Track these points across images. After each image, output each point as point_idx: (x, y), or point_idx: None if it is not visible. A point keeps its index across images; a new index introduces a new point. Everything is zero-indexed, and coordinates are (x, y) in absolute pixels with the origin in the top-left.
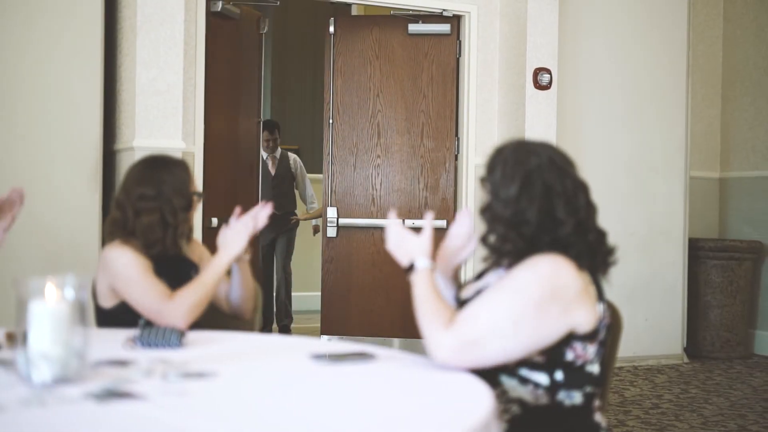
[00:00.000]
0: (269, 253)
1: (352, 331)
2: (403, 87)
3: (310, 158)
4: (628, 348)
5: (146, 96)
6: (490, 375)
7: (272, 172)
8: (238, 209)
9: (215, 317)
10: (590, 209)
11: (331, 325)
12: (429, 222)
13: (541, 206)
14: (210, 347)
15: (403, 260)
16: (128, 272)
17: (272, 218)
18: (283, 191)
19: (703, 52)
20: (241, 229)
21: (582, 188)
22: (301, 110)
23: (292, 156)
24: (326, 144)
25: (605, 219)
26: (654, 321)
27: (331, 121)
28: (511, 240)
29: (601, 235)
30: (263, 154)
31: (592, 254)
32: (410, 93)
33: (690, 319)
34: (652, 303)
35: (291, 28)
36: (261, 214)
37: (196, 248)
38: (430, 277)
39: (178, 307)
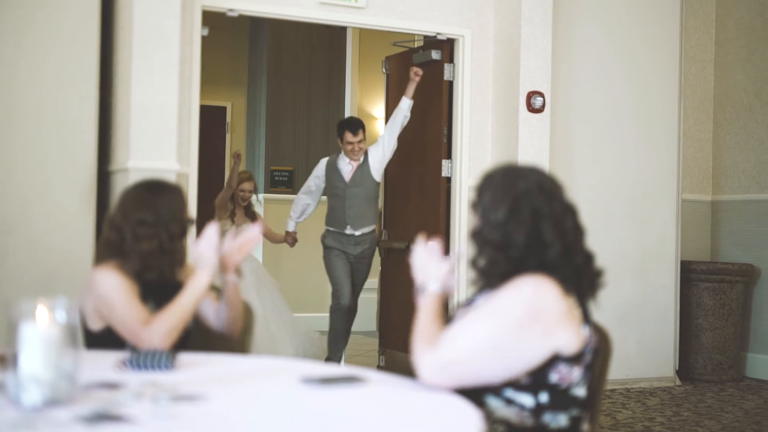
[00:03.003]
0: (346, 273)
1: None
2: (412, 113)
3: (304, 180)
4: (620, 370)
5: (141, 117)
6: (475, 395)
7: (347, 178)
8: (213, 224)
9: (207, 339)
10: (578, 232)
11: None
12: (457, 253)
13: (529, 229)
14: (201, 370)
15: (419, 281)
16: (111, 295)
17: (350, 239)
18: (360, 203)
19: (695, 76)
20: (208, 245)
21: (570, 211)
22: (295, 132)
23: (370, 151)
24: (385, 172)
25: (597, 242)
26: (646, 343)
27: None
28: (499, 263)
29: (589, 257)
30: (343, 159)
31: (579, 277)
32: (414, 118)
33: (682, 342)
34: (644, 325)
35: (286, 50)
36: (254, 232)
37: (188, 272)
38: (435, 302)
39: (155, 330)
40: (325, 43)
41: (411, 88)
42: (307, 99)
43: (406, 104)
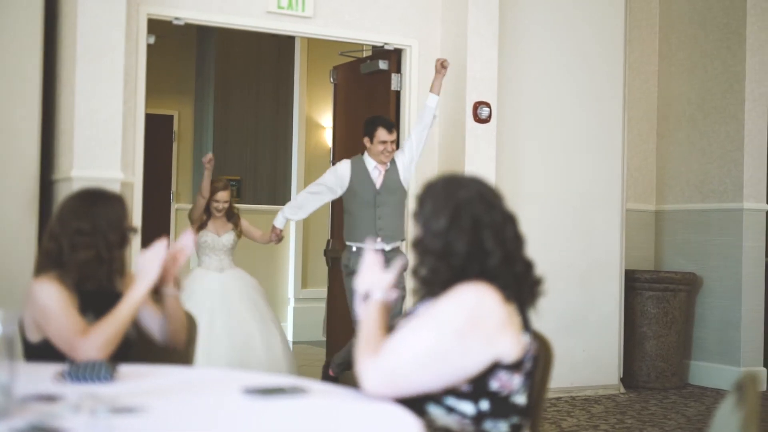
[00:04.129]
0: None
1: None
2: (359, 122)
3: (252, 190)
4: (565, 378)
5: (85, 126)
6: (417, 404)
7: (377, 184)
8: (163, 239)
9: (149, 350)
10: (518, 241)
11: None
12: (399, 263)
13: (469, 238)
14: (141, 381)
15: (362, 289)
16: (49, 306)
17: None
18: (391, 213)
19: (638, 87)
20: (152, 258)
21: (510, 220)
22: (243, 141)
23: (396, 156)
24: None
25: (543, 251)
26: (591, 352)
27: (332, 159)
28: (440, 271)
29: (529, 266)
30: (369, 163)
31: (520, 285)
32: (358, 126)
33: (626, 350)
34: (589, 334)
35: (234, 59)
36: (186, 241)
37: (130, 282)
38: (380, 311)
39: (92, 341)
40: (273, 52)
41: (438, 83)
42: (255, 108)
43: (434, 102)
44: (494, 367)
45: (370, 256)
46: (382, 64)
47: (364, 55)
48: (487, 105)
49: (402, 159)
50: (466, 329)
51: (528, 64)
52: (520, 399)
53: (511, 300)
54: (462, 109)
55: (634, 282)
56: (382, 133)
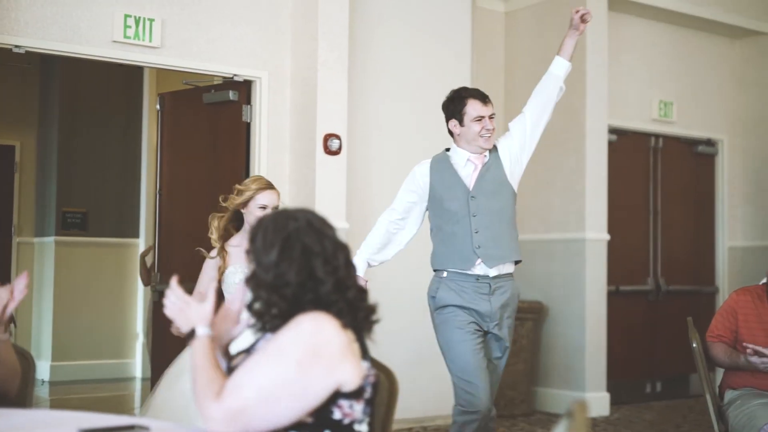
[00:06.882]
0: (477, 354)
1: None
2: (202, 152)
3: (98, 222)
4: (416, 408)
5: None
6: None
7: (469, 183)
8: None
9: None
10: (350, 268)
11: None
12: (212, 291)
13: (300, 267)
14: None
15: (184, 327)
16: None
17: (481, 285)
18: (493, 223)
19: None
20: None
21: (341, 248)
22: (90, 172)
23: (501, 143)
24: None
25: (393, 281)
26: (442, 381)
27: (158, 191)
28: (274, 303)
29: (362, 292)
30: (459, 155)
31: (354, 311)
32: (206, 158)
33: None
34: (440, 363)
35: (80, 88)
36: (18, 285)
37: None
38: (208, 345)
39: None
40: (122, 81)
41: (572, 42)
42: (102, 138)
43: (563, 69)
44: (335, 396)
45: (175, 291)
46: (232, 95)
47: (214, 84)
48: (338, 137)
49: (509, 146)
50: (307, 359)
51: (378, 97)
52: (363, 427)
53: (348, 327)
54: (312, 141)
55: None
56: (475, 106)
